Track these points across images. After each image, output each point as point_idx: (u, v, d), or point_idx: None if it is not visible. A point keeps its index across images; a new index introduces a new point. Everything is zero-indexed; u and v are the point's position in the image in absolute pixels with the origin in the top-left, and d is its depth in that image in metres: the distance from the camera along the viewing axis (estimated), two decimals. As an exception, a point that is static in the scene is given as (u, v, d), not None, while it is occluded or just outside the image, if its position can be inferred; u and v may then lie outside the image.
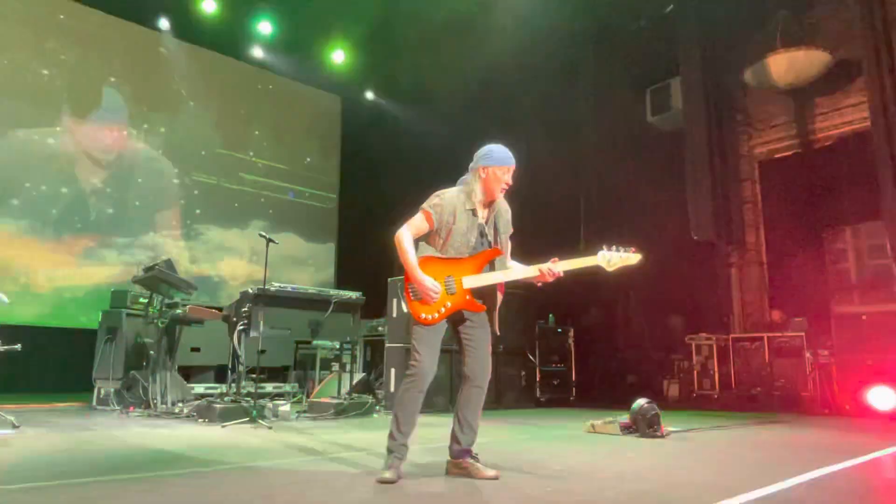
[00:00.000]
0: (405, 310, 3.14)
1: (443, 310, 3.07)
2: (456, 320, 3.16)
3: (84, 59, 9.67)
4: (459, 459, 3.13)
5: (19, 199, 8.91)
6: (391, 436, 3.06)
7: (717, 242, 9.15)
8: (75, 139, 9.47)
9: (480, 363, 3.15)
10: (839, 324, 7.50)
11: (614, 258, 3.07)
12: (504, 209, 3.28)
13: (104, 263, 9.48)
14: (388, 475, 2.91)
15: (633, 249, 3.07)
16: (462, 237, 3.12)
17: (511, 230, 3.30)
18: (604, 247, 3.06)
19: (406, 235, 3.09)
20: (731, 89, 9.67)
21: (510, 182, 3.18)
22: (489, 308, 3.19)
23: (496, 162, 3.14)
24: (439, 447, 3.61)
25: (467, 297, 3.09)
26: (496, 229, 3.22)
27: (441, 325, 3.11)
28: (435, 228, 3.14)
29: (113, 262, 9.54)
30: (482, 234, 3.18)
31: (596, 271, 3.11)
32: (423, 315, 3.05)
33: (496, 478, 3.04)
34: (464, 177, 3.25)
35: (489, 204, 3.21)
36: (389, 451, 3.03)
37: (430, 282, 3.03)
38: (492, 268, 3.16)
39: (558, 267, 3.06)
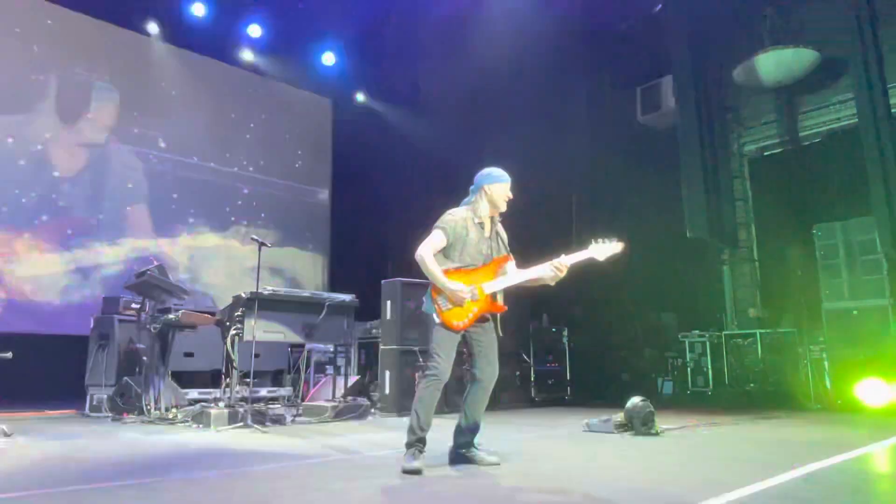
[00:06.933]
0: (437, 320, 3.36)
1: (471, 315, 3.40)
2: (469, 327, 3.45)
3: (73, 64, 9.60)
4: (464, 450, 3.47)
5: (8, 207, 8.83)
6: (412, 431, 3.30)
7: (709, 240, 9.18)
8: (64, 145, 9.40)
9: (492, 366, 3.49)
10: (831, 319, 7.54)
11: (604, 249, 3.41)
12: (503, 231, 3.68)
13: (95, 269, 9.40)
14: (416, 465, 3.17)
15: (616, 239, 3.43)
16: (475, 247, 3.50)
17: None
18: (593, 240, 3.43)
19: (428, 254, 3.40)
20: (720, 87, 9.72)
21: (511, 195, 3.59)
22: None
23: (498, 180, 3.56)
24: (441, 443, 3.63)
25: (490, 301, 3.46)
26: (500, 241, 3.63)
27: (460, 331, 3.41)
28: (450, 242, 3.46)
29: (103, 267, 9.47)
30: (490, 245, 3.56)
31: (588, 271, 3.53)
32: (456, 322, 3.37)
33: (498, 464, 3.38)
34: (467, 198, 3.64)
35: (491, 218, 3.60)
36: (410, 445, 3.28)
37: (460, 285, 3.36)
38: (503, 273, 3.53)
39: (566, 260, 3.40)
